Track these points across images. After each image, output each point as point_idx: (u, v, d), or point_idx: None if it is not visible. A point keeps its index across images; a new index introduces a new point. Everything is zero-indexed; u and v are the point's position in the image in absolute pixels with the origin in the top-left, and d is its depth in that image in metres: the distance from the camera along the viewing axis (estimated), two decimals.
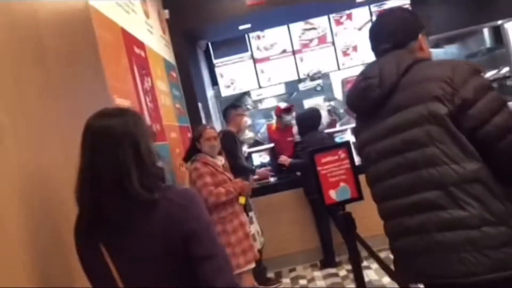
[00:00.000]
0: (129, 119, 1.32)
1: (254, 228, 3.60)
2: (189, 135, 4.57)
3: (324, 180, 2.35)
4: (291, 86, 9.40)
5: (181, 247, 1.28)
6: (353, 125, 6.17)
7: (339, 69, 6.49)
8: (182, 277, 1.31)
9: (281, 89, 8.89)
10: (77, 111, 1.60)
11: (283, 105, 5.85)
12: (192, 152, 3.46)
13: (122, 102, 2.62)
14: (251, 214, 3.66)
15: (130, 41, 3.13)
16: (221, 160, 3.51)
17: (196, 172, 3.30)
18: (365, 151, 1.58)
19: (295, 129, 5.31)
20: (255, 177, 4.86)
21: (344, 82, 9.34)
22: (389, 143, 1.46)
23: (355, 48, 6.36)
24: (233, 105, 5.04)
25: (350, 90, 1.63)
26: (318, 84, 9.69)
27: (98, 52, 2.37)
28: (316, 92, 8.75)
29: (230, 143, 4.41)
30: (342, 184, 2.59)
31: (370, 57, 1.66)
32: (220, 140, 3.56)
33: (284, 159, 4.85)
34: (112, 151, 1.26)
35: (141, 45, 3.43)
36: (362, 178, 2.06)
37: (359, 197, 2.64)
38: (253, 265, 3.36)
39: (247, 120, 5.07)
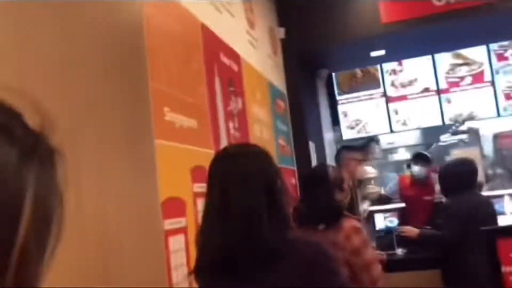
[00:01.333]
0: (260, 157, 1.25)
1: None
2: (293, 180, 3.58)
3: None
4: (431, 135, 7.95)
5: None
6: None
7: (498, 115, 5.03)
8: None
9: (417, 138, 7.54)
10: None
11: (415, 152, 4.57)
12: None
13: (178, 118, 1.75)
14: None
15: (214, 44, 2.30)
16: None
17: (360, 233, 2.13)
18: None
19: (437, 187, 3.99)
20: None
21: (497, 137, 7.67)
22: None
23: None
24: (347, 147, 3.90)
25: None
26: (461, 140, 8.14)
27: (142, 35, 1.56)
28: (462, 146, 7.23)
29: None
30: None
31: None
32: None
33: (409, 230, 3.57)
34: (244, 193, 1.15)
35: (233, 55, 2.59)
36: None
37: None
38: None
39: (366, 170, 3.89)
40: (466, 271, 3.25)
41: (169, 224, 1.56)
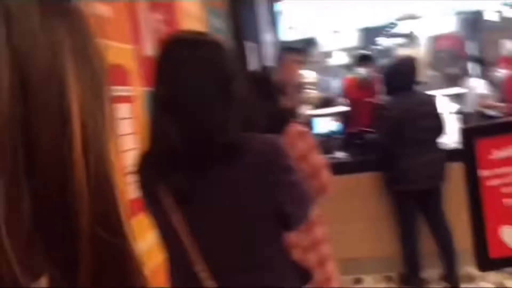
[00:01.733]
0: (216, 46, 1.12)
1: None
2: None
3: (490, 198, 0.98)
4: (370, 36, 7.82)
5: (268, 202, 1.10)
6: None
7: (440, 14, 4.87)
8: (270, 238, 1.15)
9: (355, 41, 7.39)
10: None
11: (358, 54, 4.37)
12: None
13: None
14: None
15: None
16: None
17: (305, 138, 1.93)
18: None
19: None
20: None
21: (433, 39, 7.67)
22: None
23: None
24: (288, 48, 3.57)
25: None
26: (396, 44, 8.08)
27: None
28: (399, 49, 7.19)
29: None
30: None
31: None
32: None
33: None
34: (197, 84, 1.07)
35: None
36: None
37: None
38: None
39: (304, 74, 3.60)
40: (405, 172, 3.25)
41: None
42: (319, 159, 1.96)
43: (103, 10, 1.52)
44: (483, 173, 0.96)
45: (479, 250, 0.94)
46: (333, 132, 4.08)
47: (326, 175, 1.94)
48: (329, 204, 3.38)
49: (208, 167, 1.08)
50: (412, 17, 4.90)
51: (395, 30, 8.05)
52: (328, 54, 7.84)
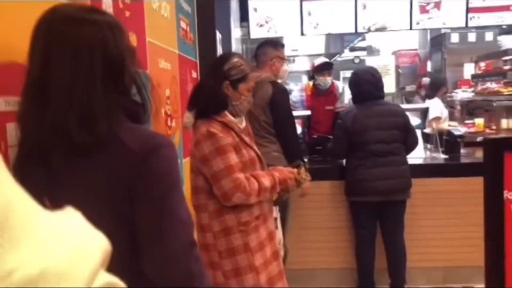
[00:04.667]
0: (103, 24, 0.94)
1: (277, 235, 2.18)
2: (194, 74, 3.06)
3: None
4: (336, 44, 7.79)
5: (128, 211, 0.93)
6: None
7: (411, 28, 4.84)
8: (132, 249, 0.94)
9: (320, 47, 7.31)
10: None
11: (318, 61, 4.24)
12: (215, 100, 1.93)
13: None
14: (275, 212, 2.23)
15: None
16: (240, 121, 2.01)
17: (212, 140, 1.82)
18: None
19: (346, 98, 3.76)
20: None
21: (395, 55, 7.73)
22: None
23: (437, 5, 4.71)
24: (274, 42, 3.37)
25: None
26: (357, 57, 8.08)
27: None
28: (355, 66, 7.15)
29: (283, 98, 2.92)
30: None
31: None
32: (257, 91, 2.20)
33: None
34: (70, 66, 0.90)
35: None
36: None
37: None
38: None
39: (288, 69, 3.43)
40: (359, 183, 3.13)
41: None
42: (223, 165, 1.82)
43: None
44: (509, 195, 0.79)
45: (494, 276, 0.78)
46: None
47: (228, 184, 1.81)
48: (291, 211, 3.26)
49: (64, 167, 0.93)
50: (380, 29, 4.82)
51: (359, 42, 8.07)
52: (291, 59, 7.73)
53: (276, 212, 2.39)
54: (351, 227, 3.34)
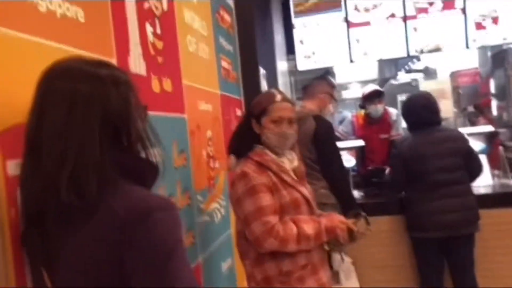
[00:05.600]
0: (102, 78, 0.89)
1: None
2: (239, 112, 3.02)
3: None
4: (389, 69, 7.58)
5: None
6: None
7: (467, 46, 4.57)
8: None
9: (373, 73, 7.13)
10: None
11: (368, 89, 4.07)
12: (245, 139, 1.87)
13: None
14: (336, 266, 2.06)
15: None
16: (291, 160, 1.88)
17: (245, 180, 1.72)
18: None
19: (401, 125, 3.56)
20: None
21: (454, 76, 7.35)
22: None
23: (495, 20, 4.44)
24: (330, 80, 3.30)
25: None
26: (414, 79, 7.77)
27: None
28: (411, 89, 6.85)
29: (328, 133, 2.81)
30: None
31: None
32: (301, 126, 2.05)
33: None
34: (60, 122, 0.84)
35: None
36: None
37: None
38: None
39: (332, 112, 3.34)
40: (420, 218, 2.89)
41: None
42: (251, 206, 1.69)
43: (79, 13, 1.25)
44: None
45: None
46: (350, 169, 3.74)
47: (258, 228, 1.66)
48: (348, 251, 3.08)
49: (58, 233, 0.87)
50: (434, 50, 4.59)
51: (415, 64, 7.77)
52: (344, 86, 7.58)
53: (337, 264, 2.22)
54: (414, 265, 3.08)
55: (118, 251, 0.82)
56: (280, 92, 1.91)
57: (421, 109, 2.93)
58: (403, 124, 3.74)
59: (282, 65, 4.77)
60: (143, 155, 0.93)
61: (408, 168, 2.88)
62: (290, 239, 1.67)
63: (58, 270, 0.88)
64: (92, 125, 0.85)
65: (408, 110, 3.03)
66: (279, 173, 1.78)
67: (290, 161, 1.87)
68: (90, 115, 0.85)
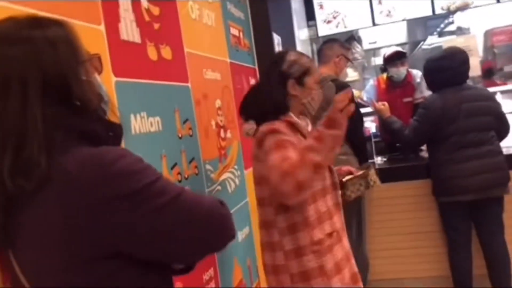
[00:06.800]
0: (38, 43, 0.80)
1: None
2: (253, 81, 2.95)
3: None
4: (418, 31, 7.24)
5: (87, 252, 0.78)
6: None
7: (498, 0, 4.30)
8: None
9: (402, 36, 6.83)
10: None
11: (389, 51, 3.88)
12: (265, 106, 1.76)
13: None
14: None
15: None
16: (306, 126, 1.81)
17: (274, 135, 1.59)
18: None
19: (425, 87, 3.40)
20: None
21: (488, 35, 6.97)
22: None
23: None
24: (342, 42, 3.20)
25: None
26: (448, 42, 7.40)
27: None
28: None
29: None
30: None
31: None
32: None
33: (381, 109, 3.11)
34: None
35: None
36: None
37: None
38: None
39: (347, 73, 3.23)
40: (449, 181, 2.77)
41: None
42: (278, 158, 1.50)
43: None
44: None
45: None
46: (372, 135, 3.63)
47: (275, 176, 1.46)
48: (370, 218, 3.01)
49: (16, 205, 0.79)
50: (462, 7, 4.35)
51: (449, 24, 7.40)
52: (370, 52, 7.32)
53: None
54: (442, 230, 2.98)
55: (83, 216, 0.76)
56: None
57: (449, 67, 2.78)
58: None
59: (302, 33, 4.63)
60: (100, 115, 0.88)
61: (437, 128, 2.76)
62: (297, 164, 1.44)
63: (23, 250, 0.82)
64: (31, 103, 0.78)
65: (431, 70, 2.88)
66: (303, 134, 1.72)
67: (305, 127, 1.81)
68: (27, 92, 0.78)
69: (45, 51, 0.80)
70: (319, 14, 4.58)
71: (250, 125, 1.80)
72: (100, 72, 0.91)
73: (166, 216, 0.81)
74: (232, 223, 0.90)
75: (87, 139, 0.83)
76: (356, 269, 1.78)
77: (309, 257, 1.64)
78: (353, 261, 1.78)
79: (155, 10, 1.74)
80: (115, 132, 0.89)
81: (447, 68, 2.78)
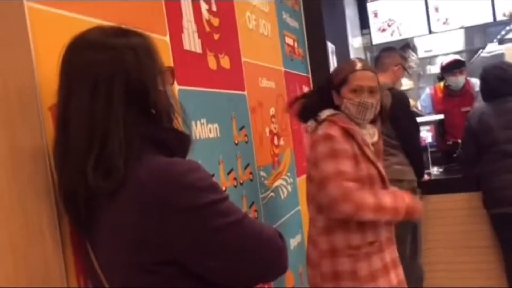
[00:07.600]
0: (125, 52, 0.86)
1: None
2: (306, 89, 2.97)
3: None
4: (477, 38, 6.98)
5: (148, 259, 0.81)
6: None
7: None
8: None
9: (459, 44, 6.60)
10: None
11: (447, 59, 3.79)
12: (319, 104, 1.83)
13: None
14: None
15: None
16: (372, 135, 1.81)
17: (328, 142, 1.68)
18: None
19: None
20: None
21: None
22: None
23: None
24: (399, 51, 3.16)
25: None
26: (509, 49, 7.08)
27: None
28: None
29: (405, 107, 2.72)
30: None
31: None
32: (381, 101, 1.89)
33: None
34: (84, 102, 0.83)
35: None
36: None
37: None
38: None
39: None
40: (495, 192, 2.70)
41: None
42: (331, 168, 1.62)
43: None
44: None
45: None
46: (429, 145, 3.55)
47: (335, 189, 1.59)
48: (424, 227, 2.94)
49: (91, 210, 0.85)
50: None
51: (506, 30, 7.10)
52: (426, 61, 7.14)
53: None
54: (497, 246, 2.88)
55: (147, 220, 0.79)
56: (361, 61, 1.88)
57: (496, 79, 2.75)
58: None
59: (356, 41, 4.61)
60: (171, 125, 0.92)
61: (477, 140, 2.77)
62: (367, 207, 1.59)
63: (99, 246, 0.88)
64: (115, 106, 0.82)
65: (483, 80, 2.86)
66: (362, 146, 1.72)
67: (371, 136, 1.81)
68: (112, 95, 0.83)
69: (129, 58, 0.85)
70: (373, 23, 4.55)
71: (311, 123, 1.84)
72: (171, 84, 0.97)
73: (226, 237, 0.82)
74: (287, 256, 0.91)
75: (158, 148, 0.87)
76: (393, 283, 1.75)
77: (343, 259, 1.68)
78: (392, 275, 1.75)
79: (215, 21, 1.81)
80: (184, 143, 0.93)
81: (496, 78, 2.75)
